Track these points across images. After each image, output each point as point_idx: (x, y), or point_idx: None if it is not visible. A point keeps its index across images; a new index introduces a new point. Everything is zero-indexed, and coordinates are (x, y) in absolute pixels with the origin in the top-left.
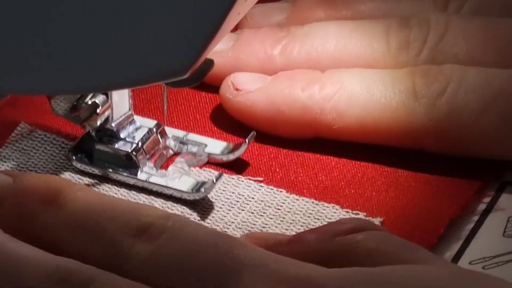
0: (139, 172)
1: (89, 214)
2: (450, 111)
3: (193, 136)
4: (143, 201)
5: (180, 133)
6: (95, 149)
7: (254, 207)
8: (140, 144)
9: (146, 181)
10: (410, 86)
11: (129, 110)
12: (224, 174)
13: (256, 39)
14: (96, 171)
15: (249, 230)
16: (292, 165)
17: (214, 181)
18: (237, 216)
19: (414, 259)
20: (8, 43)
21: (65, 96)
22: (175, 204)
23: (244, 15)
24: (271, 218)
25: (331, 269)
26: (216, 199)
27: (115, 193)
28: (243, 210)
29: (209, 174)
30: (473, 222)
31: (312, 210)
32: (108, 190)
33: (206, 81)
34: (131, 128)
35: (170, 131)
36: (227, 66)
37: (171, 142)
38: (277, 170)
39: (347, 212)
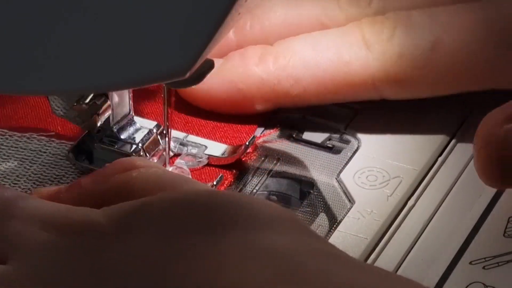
0: None
1: None
2: (402, 52)
3: (193, 138)
4: None
5: (180, 134)
6: (96, 149)
7: (46, 160)
8: (140, 145)
9: None
10: (358, 37)
11: (129, 111)
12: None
13: None
14: None
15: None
16: None
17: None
18: (28, 169)
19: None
20: (8, 43)
21: (65, 97)
22: None
23: None
24: (62, 170)
25: (103, 208)
26: (8, 156)
27: None
28: (34, 163)
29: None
30: (474, 222)
31: None
32: None
33: None
34: (131, 129)
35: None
36: None
37: (171, 144)
38: None
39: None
